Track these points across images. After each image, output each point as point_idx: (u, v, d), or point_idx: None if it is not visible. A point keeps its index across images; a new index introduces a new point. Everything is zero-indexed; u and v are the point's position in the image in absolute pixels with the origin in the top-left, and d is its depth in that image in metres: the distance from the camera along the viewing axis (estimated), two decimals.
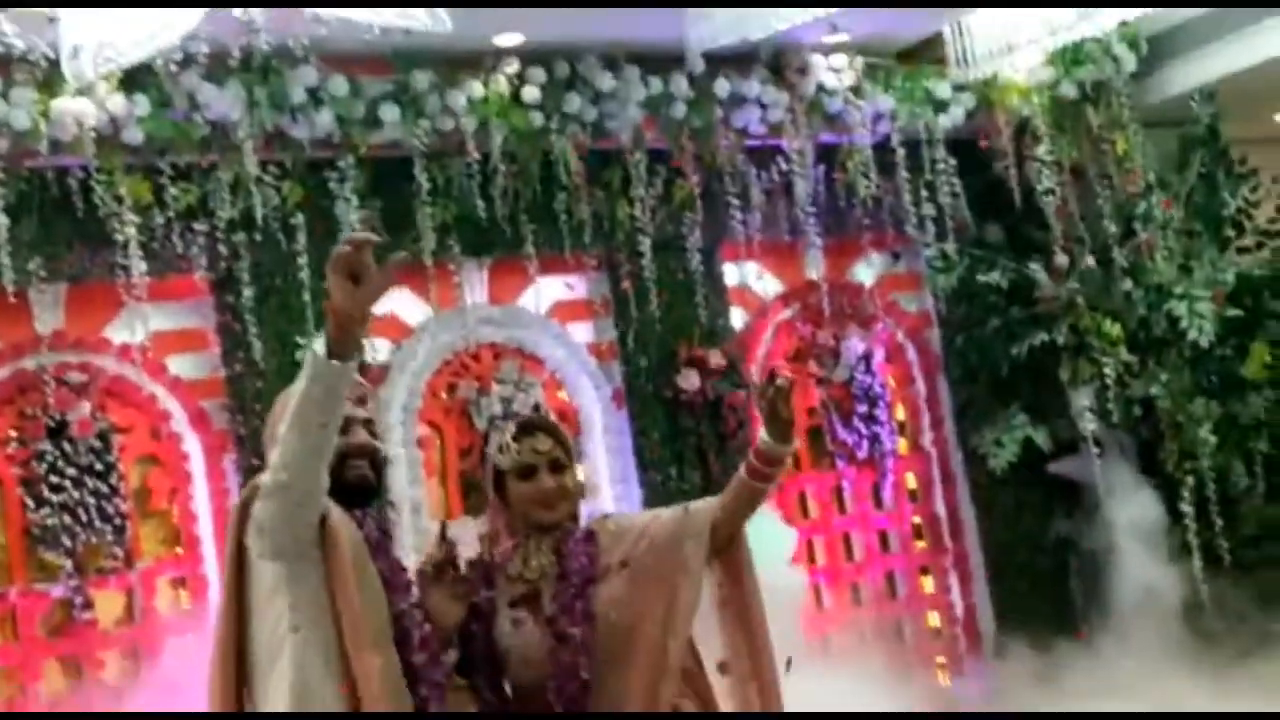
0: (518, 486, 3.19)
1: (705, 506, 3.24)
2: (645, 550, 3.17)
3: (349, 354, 2.72)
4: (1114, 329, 7.89)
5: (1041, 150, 8.12)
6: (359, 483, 3.03)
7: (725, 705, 3.22)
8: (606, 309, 7.70)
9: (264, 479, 2.88)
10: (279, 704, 2.86)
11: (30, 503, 6.43)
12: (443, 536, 3.24)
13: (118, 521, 6.56)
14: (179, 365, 6.90)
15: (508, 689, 3.22)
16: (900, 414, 8.40)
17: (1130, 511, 7.65)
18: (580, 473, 7.36)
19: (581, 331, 7.69)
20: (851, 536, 8.20)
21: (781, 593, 6.87)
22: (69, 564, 6.41)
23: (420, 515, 7.10)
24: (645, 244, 7.54)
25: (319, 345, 2.74)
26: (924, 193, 8.11)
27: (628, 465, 7.58)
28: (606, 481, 7.53)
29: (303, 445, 2.75)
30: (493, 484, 3.28)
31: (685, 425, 7.57)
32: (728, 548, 3.22)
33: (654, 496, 7.34)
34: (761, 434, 3.14)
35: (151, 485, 6.85)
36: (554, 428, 3.27)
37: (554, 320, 7.62)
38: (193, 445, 6.81)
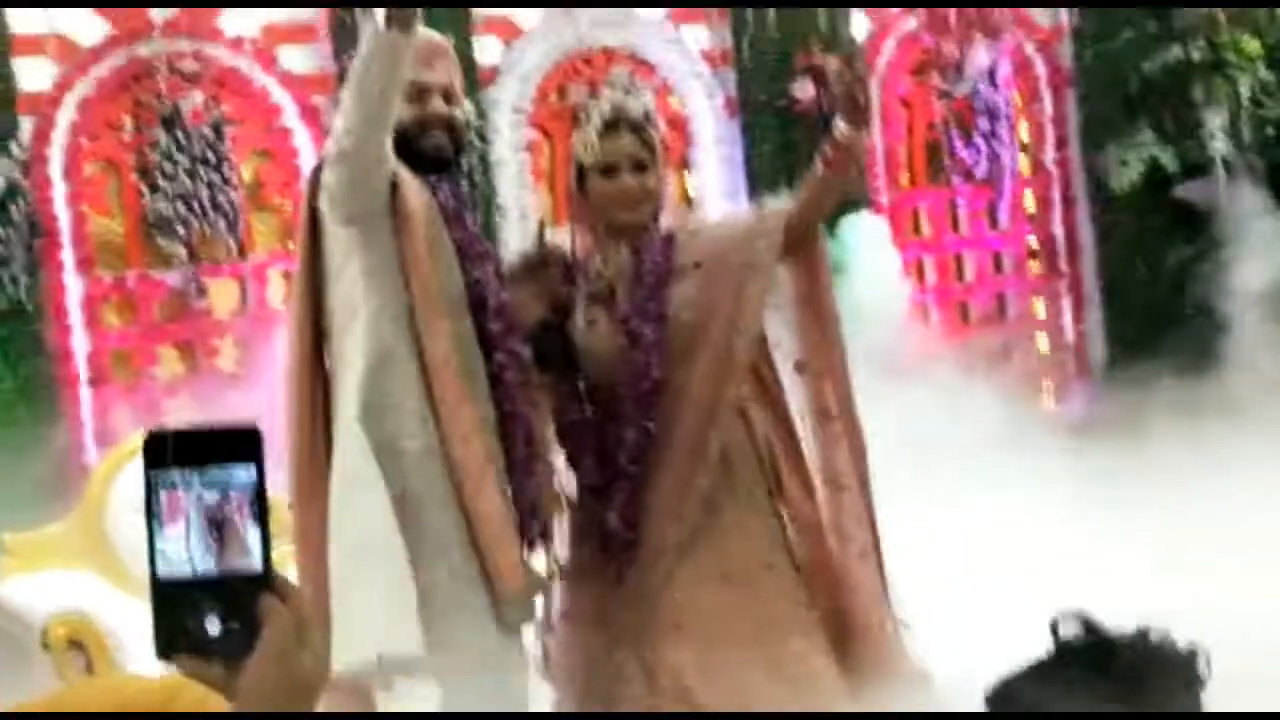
0: (599, 184, 3.13)
1: (780, 206, 3.16)
2: (718, 250, 3.08)
3: (407, 24, 2.69)
4: (1252, 45, 7.57)
5: None
6: (435, 152, 2.99)
7: (798, 404, 3.17)
8: (722, 14, 7.49)
9: (328, 145, 2.87)
10: (357, 366, 2.88)
11: (146, 190, 6.56)
12: (540, 235, 3.23)
13: (230, 213, 6.65)
14: (289, 58, 6.86)
15: (582, 386, 3.21)
16: (1023, 132, 8.16)
17: (1256, 236, 7.38)
18: (685, 180, 7.57)
19: (696, 36, 7.48)
20: (964, 256, 8.08)
21: (885, 307, 6.97)
22: (183, 252, 6.56)
23: (528, 220, 7.06)
24: None
25: (380, 14, 2.69)
26: None
27: (737, 178, 7.48)
28: (716, 194, 7.45)
29: (362, 112, 2.73)
30: (576, 179, 3.22)
31: (798, 136, 7.39)
32: (804, 243, 3.15)
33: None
34: (837, 121, 3.03)
35: (264, 178, 6.90)
36: (639, 125, 3.15)
37: (669, 23, 7.44)
38: (304, 140, 6.83)
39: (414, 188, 2.92)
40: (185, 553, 1.09)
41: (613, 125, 3.15)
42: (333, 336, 2.94)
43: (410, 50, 2.74)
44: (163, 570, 1.09)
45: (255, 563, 1.10)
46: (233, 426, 1.11)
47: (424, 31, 2.94)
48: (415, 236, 2.87)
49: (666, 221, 3.22)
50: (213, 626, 1.09)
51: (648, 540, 3.06)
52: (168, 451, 1.09)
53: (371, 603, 2.81)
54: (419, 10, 2.71)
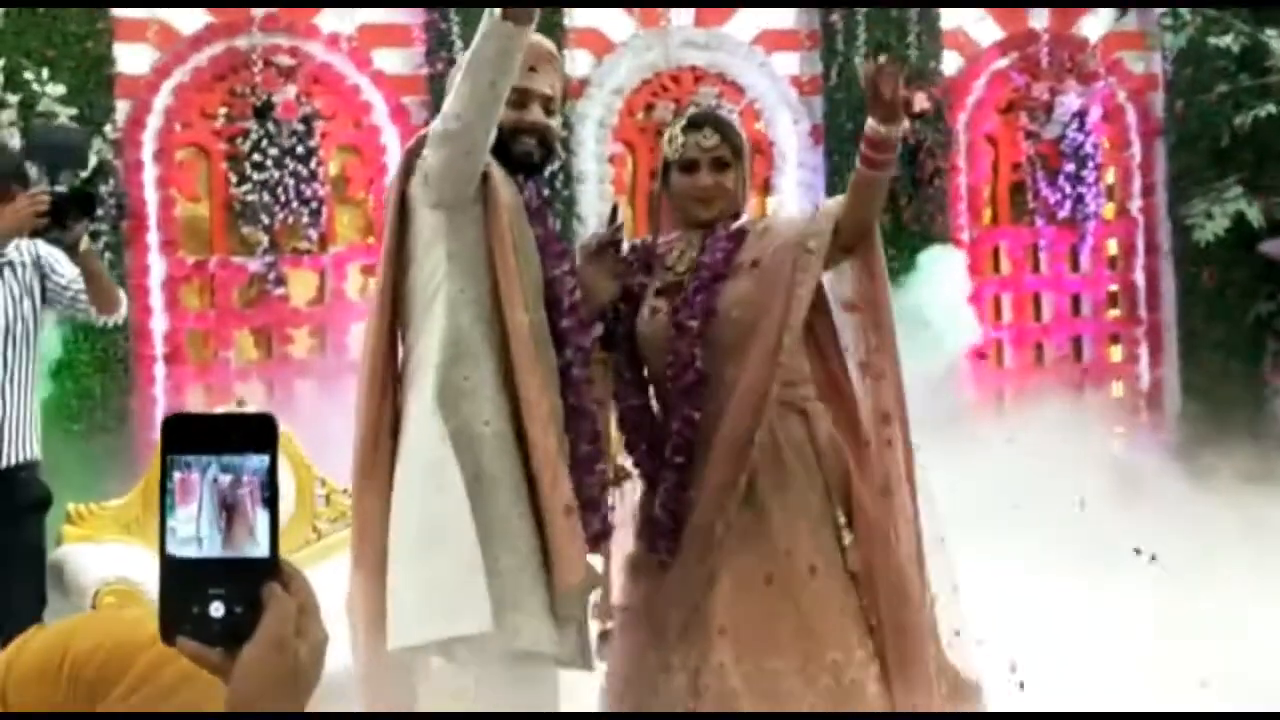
0: (679, 179, 3.16)
1: (832, 205, 3.16)
2: (775, 249, 3.11)
3: (522, 19, 2.71)
4: None
5: None
6: (524, 158, 3.02)
7: (861, 404, 3.16)
8: (814, 41, 7.48)
9: (434, 126, 2.88)
10: (432, 347, 2.89)
11: (234, 178, 6.63)
12: (612, 217, 3.27)
13: (315, 205, 6.71)
14: (383, 59, 6.93)
15: (644, 371, 3.23)
16: (1110, 177, 8.06)
17: None
18: (766, 203, 7.55)
19: (786, 62, 7.49)
20: (1042, 297, 8.00)
21: (954, 339, 6.98)
22: (266, 240, 6.61)
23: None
24: None
25: (496, 9, 2.72)
26: None
27: (819, 203, 7.39)
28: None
29: (473, 99, 2.76)
30: (661, 175, 3.25)
31: None
32: (860, 245, 3.14)
33: None
34: (869, 119, 3.02)
35: (349, 174, 6.94)
36: (724, 124, 3.20)
37: (758, 48, 7.43)
38: (391, 138, 6.88)
39: (504, 181, 2.95)
40: (195, 533, 1.10)
41: (697, 123, 3.19)
42: (413, 318, 2.95)
43: (524, 45, 2.77)
44: (171, 549, 1.10)
45: (262, 549, 1.11)
46: (249, 415, 1.13)
47: (534, 37, 2.97)
48: (502, 227, 2.89)
49: (744, 221, 3.23)
50: (216, 610, 1.10)
51: (693, 536, 3.05)
52: (186, 435, 1.10)
53: (444, 582, 2.80)
54: (537, 9, 2.73)
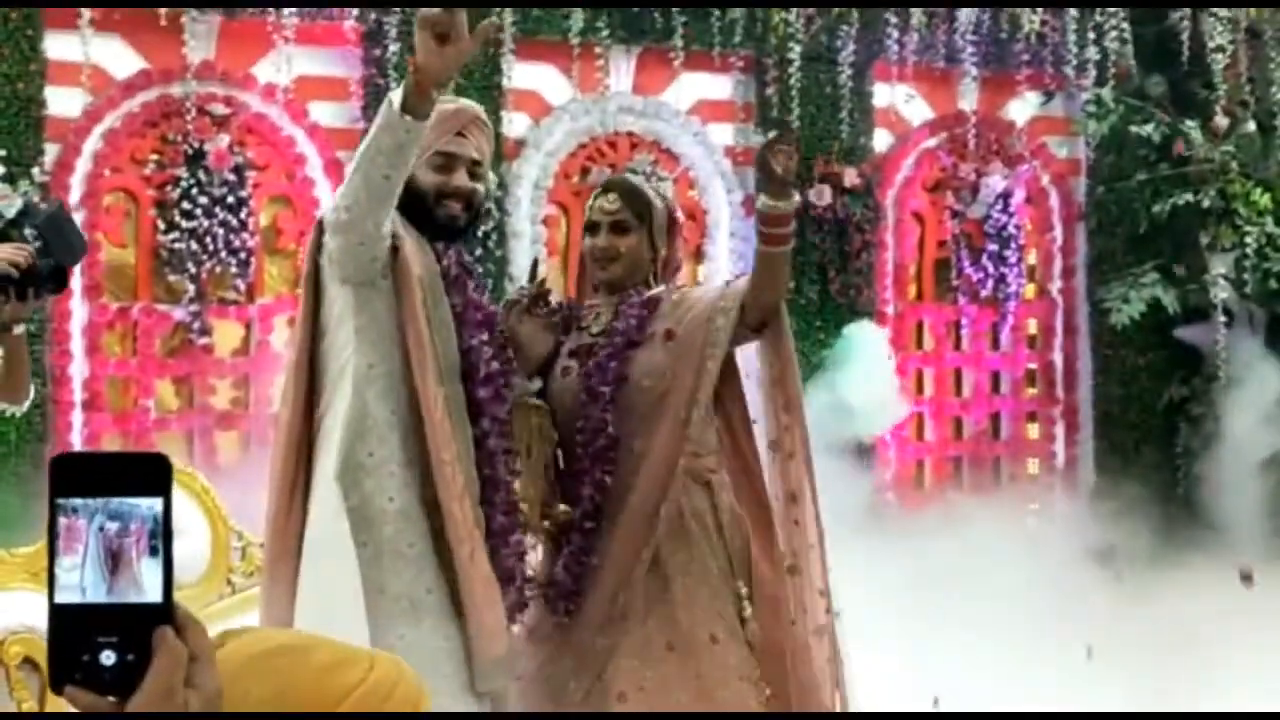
0: (586, 240, 3.22)
1: (741, 283, 3.18)
2: (687, 322, 3.12)
3: (423, 112, 2.65)
4: (1263, 199, 7.57)
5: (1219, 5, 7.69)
6: (447, 222, 2.98)
7: (769, 480, 3.17)
8: (749, 114, 7.51)
9: (327, 213, 2.85)
10: (337, 422, 2.87)
11: (162, 225, 6.51)
12: (533, 273, 3.29)
13: (243, 255, 6.61)
14: (320, 112, 6.85)
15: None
16: (1031, 258, 8.16)
17: (1250, 385, 7.32)
18: (698, 270, 7.53)
19: (721, 133, 7.51)
20: (963, 373, 8.08)
21: (875, 413, 6.98)
22: (192, 289, 6.50)
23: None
24: (796, 52, 7.30)
25: (396, 96, 2.66)
26: (1090, 34, 7.74)
27: (748, 272, 7.39)
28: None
29: (365, 190, 2.72)
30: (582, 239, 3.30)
31: (811, 240, 7.41)
32: (768, 325, 3.15)
33: None
34: (761, 195, 3.06)
35: (281, 225, 6.87)
36: (629, 190, 3.21)
37: (695, 118, 7.44)
38: (324, 191, 6.79)
39: (416, 253, 2.90)
40: (79, 581, 1.04)
41: (606, 188, 3.24)
42: (324, 389, 2.93)
43: (421, 139, 2.73)
44: (59, 598, 1.04)
45: (150, 595, 1.04)
46: (142, 455, 1.06)
47: (463, 102, 3.04)
48: (414, 303, 2.85)
49: (659, 289, 3.22)
50: (107, 658, 1.04)
51: (596, 604, 3.04)
52: (74, 476, 1.04)
53: None
54: (435, 96, 2.68)
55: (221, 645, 1.23)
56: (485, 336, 2.99)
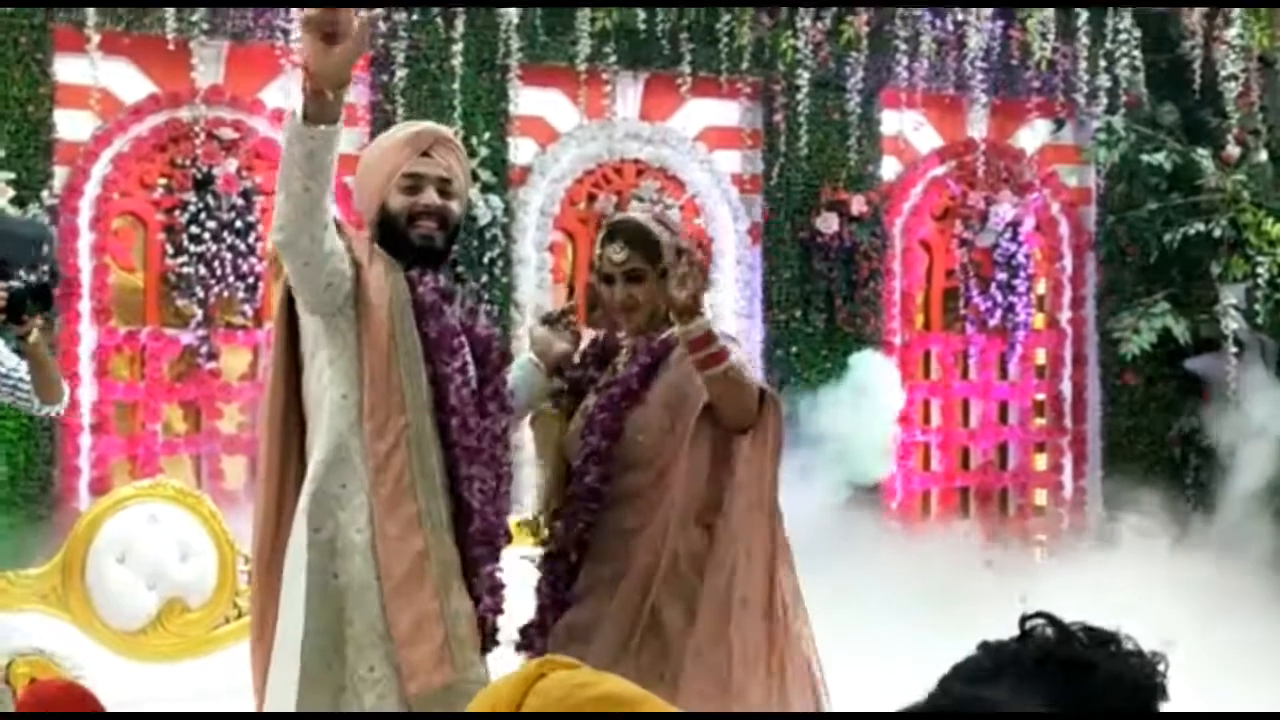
0: (603, 291, 3.23)
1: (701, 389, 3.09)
2: (681, 399, 3.12)
3: (325, 117, 2.67)
4: (1275, 229, 7.65)
5: (1232, 34, 7.83)
6: (422, 243, 3.02)
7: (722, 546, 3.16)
8: (756, 141, 7.67)
9: (269, 241, 2.99)
10: (316, 455, 2.94)
11: (170, 249, 6.63)
12: (569, 295, 3.37)
13: (251, 280, 6.75)
14: None
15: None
16: (1040, 288, 8.30)
17: (1260, 416, 7.47)
18: (704, 303, 7.58)
19: (728, 160, 7.66)
20: (970, 403, 8.21)
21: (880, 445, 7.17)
22: (200, 313, 6.64)
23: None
24: (805, 79, 7.46)
25: (299, 106, 2.68)
26: (1102, 62, 7.90)
27: (755, 301, 7.63)
28: (731, 314, 7.57)
29: (290, 206, 2.74)
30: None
31: (818, 268, 7.60)
32: (752, 428, 3.11)
33: (778, 335, 7.53)
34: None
35: None
36: (633, 235, 3.19)
37: (702, 145, 7.58)
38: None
39: (383, 281, 2.94)
40: None
41: (610, 236, 3.23)
42: (310, 417, 2.98)
43: (335, 144, 2.73)
44: None
45: None
46: None
47: (427, 124, 3.10)
48: (375, 331, 2.90)
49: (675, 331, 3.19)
50: None
51: (602, 652, 3.04)
52: None
53: (281, 693, 2.89)
54: (336, 98, 2.68)
55: (543, 676, 1.28)
56: (458, 364, 3.01)
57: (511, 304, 7.08)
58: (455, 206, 3.06)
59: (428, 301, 2.98)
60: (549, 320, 3.32)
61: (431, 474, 2.93)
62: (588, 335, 3.40)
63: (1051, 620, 1.24)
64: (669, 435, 3.11)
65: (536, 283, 7.20)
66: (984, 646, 1.27)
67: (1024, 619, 1.26)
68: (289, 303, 2.96)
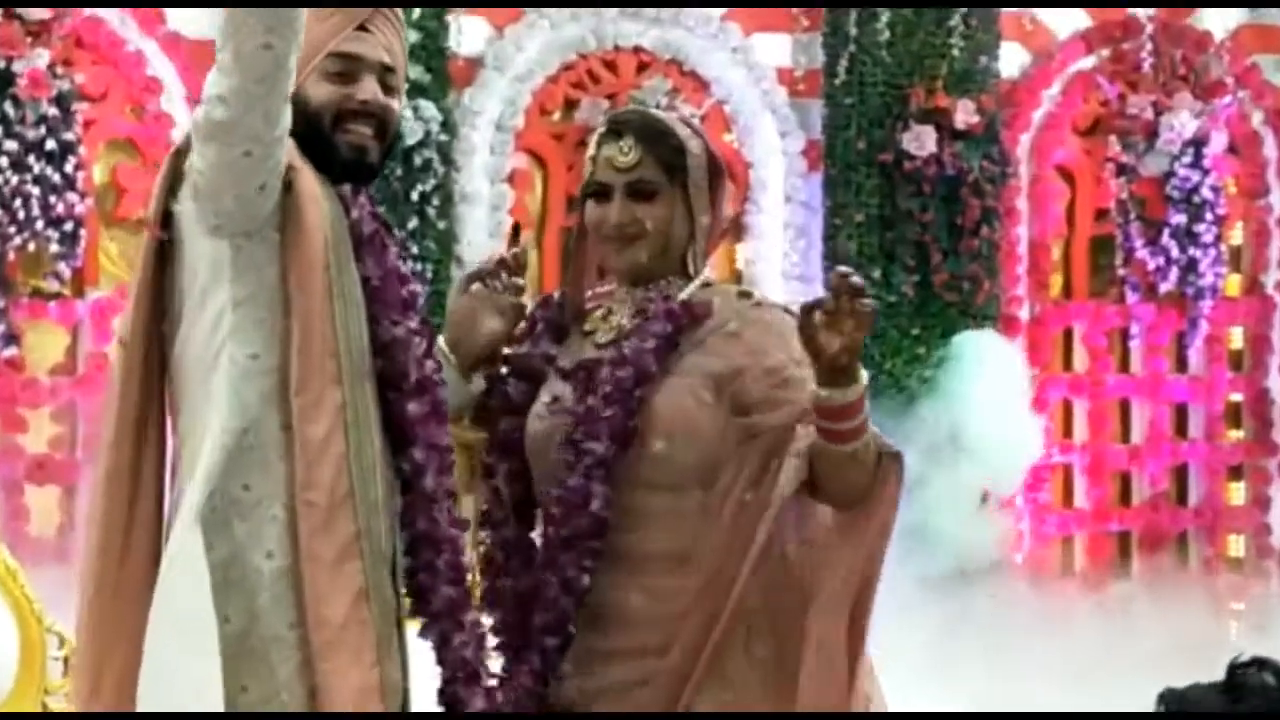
0: (590, 211, 3.19)
1: (795, 461, 3.06)
2: (753, 393, 3.11)
3: None
4: None
5: None
6: (354, 154, 3.03)
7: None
8: (814, 21, 7.67)
9: (197, 115, 2.87)
10: (210, 442, 2.90)
11: None
12: (514, 238, 3.34)
13: (69, 227, 6.76)
14: (182, 19, 6.98)
15: (530, 485, 3.25)
16: (1237, 236, 8.31)
17: None
18: (735, 252, 7.56)
19: (772, 48, 7.72)
20: (1132, 407, 8.22)
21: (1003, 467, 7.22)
22: None
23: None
24: None
25: None
26: None
27: (812, 255, 7.62)
28: (777, 273, 7.57)
29: (240, 69, 2.74)
30: (580, 205, 3.26)
31: (906, 207, 7.64)
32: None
33: None
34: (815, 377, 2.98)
35: (123, 183, 7.07)
36: (650, 130, 3.19)
37: (735, 26, 7.60)
38: None
39: (318, 195, 2.94)
40: None
41: (615, 129, 3.22)
42: (184, 397, 2.96)
43: None
44: None
45: None
46: None
47: None
48: (308, 266, 2.91)
49: (706, 292, 3.19)
50: None
51: None
52: None
53: None
54: None
55: None
56: (414, 324, 3.03)
57: (453, 259, 7.12)
58: (396, 105, 3.08)
59: (366, 231, 3.01)
60: (477, 277, 3.26)
61: (372, 479, 2.95)
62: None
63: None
64: (704, 460, 3.11)
65: (489, 229, 7.23)
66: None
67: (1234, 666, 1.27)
68: (167, 224, 2.94)
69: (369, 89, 3.02)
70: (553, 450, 3.16)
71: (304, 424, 2.89)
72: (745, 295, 3.26)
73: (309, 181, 2.95)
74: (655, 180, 3.16)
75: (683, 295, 3.18)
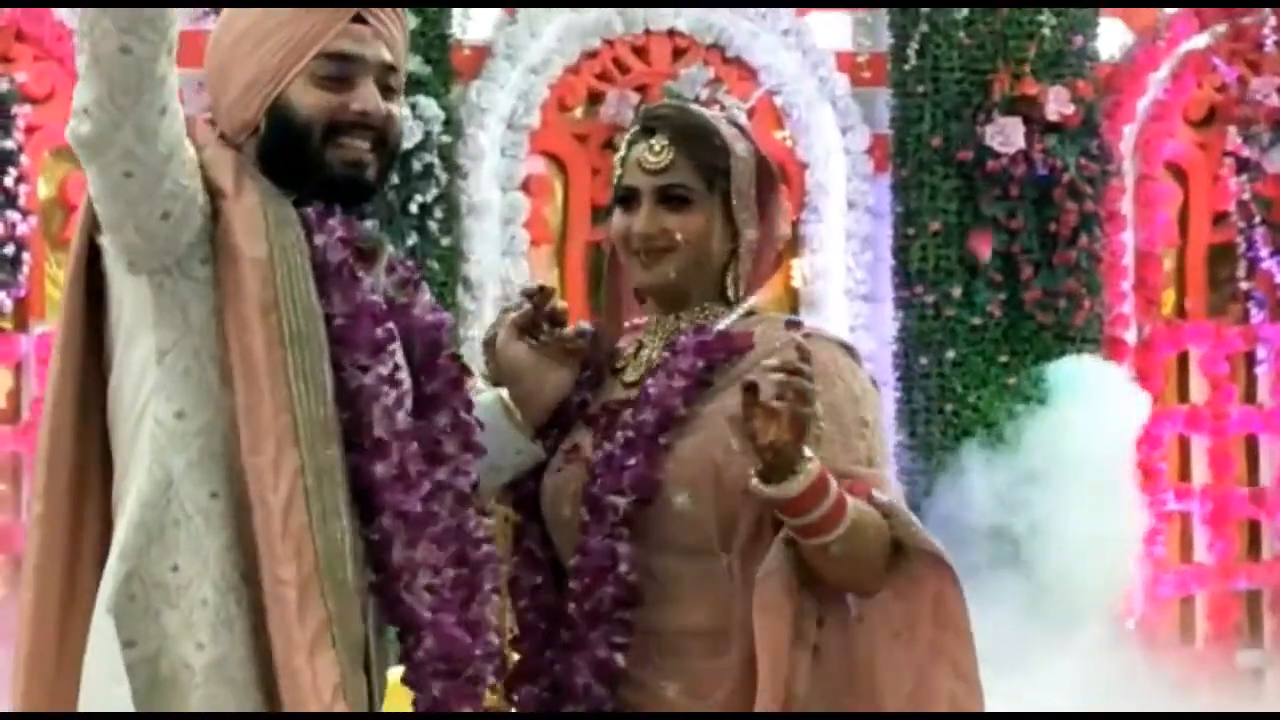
0: (615, 221, 3.10)
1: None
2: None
3: None
4: None
5: None
6: (348, 171, 2.88)
7: None
8: None
9: (67, 129, 2.73)
10: (123, 525, 2.75)
11: None
12: (541, 291, 3.17)
13: (9, 250, 6.76)
14: None
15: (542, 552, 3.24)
16: None
17: None
18: (790, 265, 7.13)
19: (831, 30, 7.73)
20: (1260, 444, 8.17)
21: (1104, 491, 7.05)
22: None
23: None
24: None
25: None
26: None
27: (881, 269, 7.62)
28: (840, 292, 7.54)
29: (99, 78, 2.62)
30: (608, 216, 3.26)
31: (990, 213, 7.42)
32: None
33: (920, 328, 7.51)
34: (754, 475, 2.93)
35: (72, 197, 6.99)
36: (688, 127, 3.10)
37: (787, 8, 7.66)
38: None
39: (253, 216, 2.82)
40: None
41: (647, 126, 3.13)
42: (118, 452, 2.87)
43: None
44: None
45: None
46: None
47: None
48: (248, 304, 2.79)
49: (747, 322, 3.09)
50: None
51: None
52: None
53: None
54: None
55: None
56: (384, 370, 2.89)
57: (459, 280, 7.09)
58: (398, 112, 2.97)
59: (333, 261, 2.88)
60: (516, 318, 3.10)
61: (339, 553, 2.83)
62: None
63: None
64: (730, 498, 3.00)
65: (501, 246, 7.18)
66: None
67: None
68: (90, 260, 2.85)
69: (367, 96, 2.92)
70: (566, 505, 3.14)
71: (262, 490, 2.81)
72: (794, 325, 3.16)
73: (248, 207, 2.86)
74: (690, 185, 3.09)
75: (720, 325, 3.13)
